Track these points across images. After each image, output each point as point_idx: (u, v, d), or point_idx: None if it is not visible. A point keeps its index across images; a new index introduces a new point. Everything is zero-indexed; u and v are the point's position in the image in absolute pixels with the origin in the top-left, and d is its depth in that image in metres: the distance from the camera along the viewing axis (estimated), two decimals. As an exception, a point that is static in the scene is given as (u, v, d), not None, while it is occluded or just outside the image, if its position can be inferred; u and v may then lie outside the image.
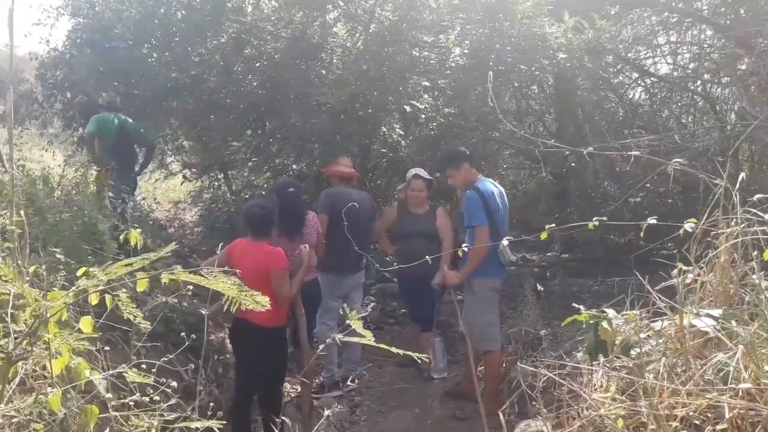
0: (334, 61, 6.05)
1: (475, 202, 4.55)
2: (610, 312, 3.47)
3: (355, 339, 2.22)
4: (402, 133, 5.82)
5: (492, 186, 4.73)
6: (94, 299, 2.43)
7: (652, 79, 9.93)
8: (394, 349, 2.27)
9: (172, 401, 2.54)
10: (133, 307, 2.02)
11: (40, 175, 6.59)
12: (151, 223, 8.73)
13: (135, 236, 2.53)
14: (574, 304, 3.58)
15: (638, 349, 3.54)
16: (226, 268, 2.03)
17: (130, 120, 6.82)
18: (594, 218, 3.18)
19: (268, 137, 6.12)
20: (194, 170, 8.72)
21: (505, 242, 4.53)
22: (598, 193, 8.85)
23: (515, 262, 4.91)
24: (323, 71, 5.77)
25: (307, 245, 4.55)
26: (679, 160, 3.01)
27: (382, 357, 6.03)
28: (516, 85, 8.09)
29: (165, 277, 1.84)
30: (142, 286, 2.43)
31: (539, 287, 4.70)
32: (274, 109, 5.84)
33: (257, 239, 4.28)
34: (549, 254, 10.34)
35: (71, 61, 8.90)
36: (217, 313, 4.52)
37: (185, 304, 5.27)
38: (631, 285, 4.39)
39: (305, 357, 4.86)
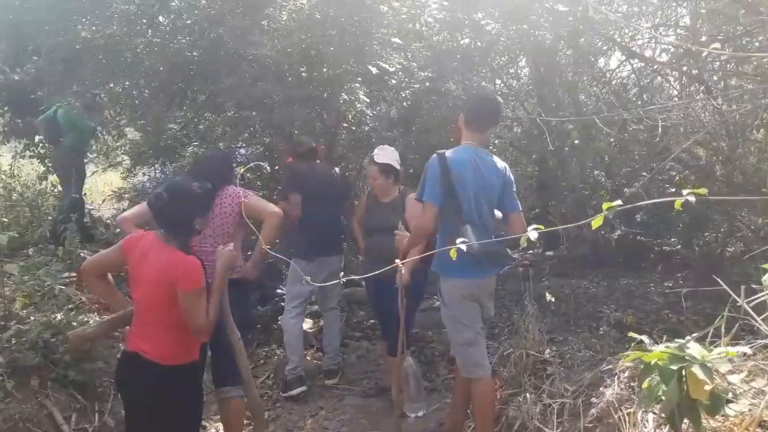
0: (284, 16, 4.54)
1: (431, 170, 3.14)
2: (694, 347, 2.04)
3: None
4: (367, 100, 4.33)
5: (473, 155, 3.19)
6: None
7: (639, 62, 8.55)
8: None
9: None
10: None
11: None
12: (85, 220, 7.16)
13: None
14: (631, 334, 2.17)
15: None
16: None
17: (75, 110, 5.90)
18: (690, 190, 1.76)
19: (199, 107, 4.52)
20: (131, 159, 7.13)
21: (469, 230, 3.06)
22: (588, 184, 7.45)
23: (502, 256, 3.30)
24: (264, 25, 4.26)
25: (230, 245, 2.99)
26: None
27: (342, 385, 4.55)
28: (504, 60, 6.74)
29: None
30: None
31: (550, 297, 3.24)
32: (205, 72, 4.31)
33: (167, 240, 2.69)
34: (531, 252, 8.95)
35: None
36: (93, 335, 3.00)
37: (75, 323, 3.72)
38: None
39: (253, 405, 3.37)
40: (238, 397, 3.40)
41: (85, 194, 8.51)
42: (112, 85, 5.19)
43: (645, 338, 2.05)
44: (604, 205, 1.67)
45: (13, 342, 3.35)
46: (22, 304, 3.56)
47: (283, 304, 6.04)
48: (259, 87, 3.94)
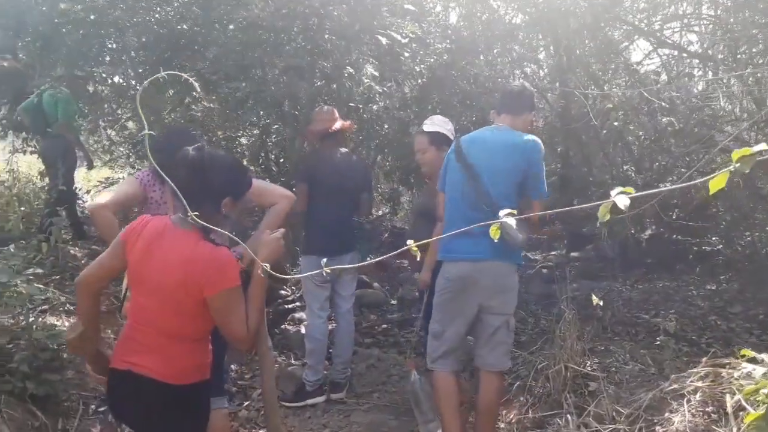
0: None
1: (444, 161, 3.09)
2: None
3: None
4: (376, 74, 3.71)
5: (490, 133, 2.98)
6: None
7: (671, 51, 7.88)
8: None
9: None
10: None
11: None
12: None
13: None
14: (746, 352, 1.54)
15: None
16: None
17: (62, 96, 5.37)
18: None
19: (188, 86, 3.90)
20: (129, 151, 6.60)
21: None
22: (617, 178, 6.78)
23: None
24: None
25: (279, 231, 2.27)
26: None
27: (350, 399, 3.93)
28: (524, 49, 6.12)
29: None
30: None
31: (597, 299, 2.61)
32: (194, 44, 3.72)
33: (185, 225, 1.99)
34: (554, 253, 8.31)
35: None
36: (84, 340, 2.20)
37: (36, 327, 3.14)
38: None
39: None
40: (222, 408, 2.81)
41: (80, 189, 8.01)
42: (95, 67, 4.58)
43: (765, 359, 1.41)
44: None
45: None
46: (-28, 305, 2.99)
47: (287, 306, 5.49)
48: (249, 55, 3.33)
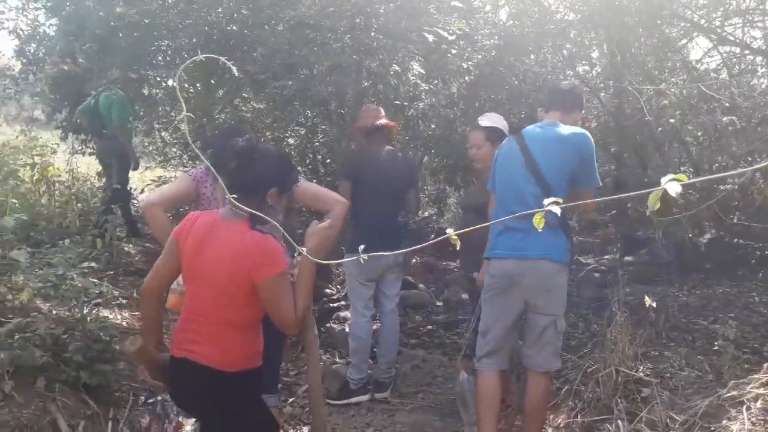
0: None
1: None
2: None
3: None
4: (423, 72, 3.68)
5: (541, 129, 2.89)
6: None
7: (733, 48, 7.54)
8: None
9: None
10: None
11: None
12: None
13: None
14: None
15: None
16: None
17: (116, 98, 5.51)
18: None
19: (236, 83, 3.97)
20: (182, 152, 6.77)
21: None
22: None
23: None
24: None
25: (326, 222, 2.25)
26: None
27: (394, 399, 3.92)
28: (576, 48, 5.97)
29: None
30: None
31: (649, 301, 2.51)
32: (243, 45, 3.78)
33: (233, 215, 2.04)
34: (607, 257, 8.08)
35: (49, 32, 7.18)
36: (144, 353, 2.21)
37: (90, 318, 3.25)
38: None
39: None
40: (272, 407, 2.85)
41: (135, 188, 8.27)
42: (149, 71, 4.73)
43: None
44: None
45: (16, 338, 2.89)
46: (29, 296, 3.11)
47: (332, 305, 5.53)
48: (296, 54, 3.36)
